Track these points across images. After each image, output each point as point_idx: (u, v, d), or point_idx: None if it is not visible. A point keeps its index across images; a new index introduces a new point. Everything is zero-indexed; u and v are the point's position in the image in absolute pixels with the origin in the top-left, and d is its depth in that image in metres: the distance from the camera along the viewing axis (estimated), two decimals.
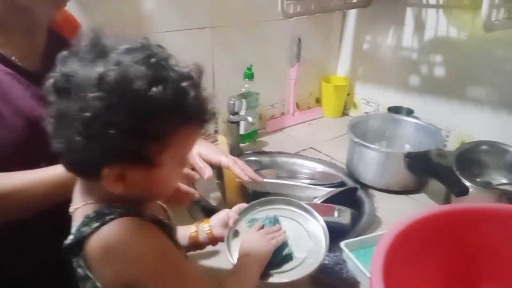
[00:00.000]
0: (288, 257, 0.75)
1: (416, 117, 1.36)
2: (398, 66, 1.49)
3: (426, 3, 1.36)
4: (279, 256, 0.74)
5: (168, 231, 0.61)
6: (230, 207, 1.07)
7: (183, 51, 1.26)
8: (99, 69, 0.50)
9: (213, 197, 1.13)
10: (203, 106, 0.55)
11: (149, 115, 0.51)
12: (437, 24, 1.34)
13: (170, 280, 0.56)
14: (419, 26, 1.39)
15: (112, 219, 0.54)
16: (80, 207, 0.58)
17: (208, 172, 0.98)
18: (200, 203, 1.08)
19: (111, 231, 0.53)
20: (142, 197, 0.59)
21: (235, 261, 0.73)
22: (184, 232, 0.78)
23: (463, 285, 0.80)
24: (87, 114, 0.49)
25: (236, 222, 0.79)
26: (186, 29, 1.25)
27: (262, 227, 0.78)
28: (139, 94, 0.50)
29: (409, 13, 1.41)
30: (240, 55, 1.40)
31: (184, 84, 0.53)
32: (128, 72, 0.50)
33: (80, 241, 0.54)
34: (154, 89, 0.50)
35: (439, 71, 1.38)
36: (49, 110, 0.53)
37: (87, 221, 0.55)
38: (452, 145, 1.35)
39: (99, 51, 0.52)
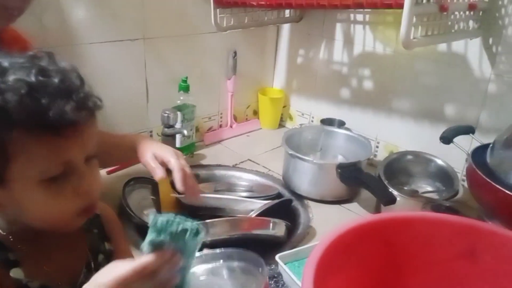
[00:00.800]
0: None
1: (347, 129, 1.41)
2: (330, 79, 1.54)
3: (354, 20, 1.42)
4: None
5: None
6: None
7: (115, 62, 1.25)
8: None
9: (146, 214, 1.10)
10: (36, 107, 0.46)
11: None
12: (364, 39, 1.40)
13: None
14: (348, 41, 1.45)
15: None
16: None
17: (159, 173, 0.95)
18: (133, 221, 1.04)
19: None
20: (20, 223, 0.51)
21: None
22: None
23: None
24: None
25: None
26: (117, 40, 1.22)
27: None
28: None
29: (339, 28, 1.46)
30: (174, 67, 1.38)
31: (9, 80, 0.46)
32: None
33: None
34: None
35: (367, 84, 1.44)
36: None
37: None
38: (381, 155, 1.42)
39: None
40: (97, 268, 0.56)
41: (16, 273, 0.50)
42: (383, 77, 1.40)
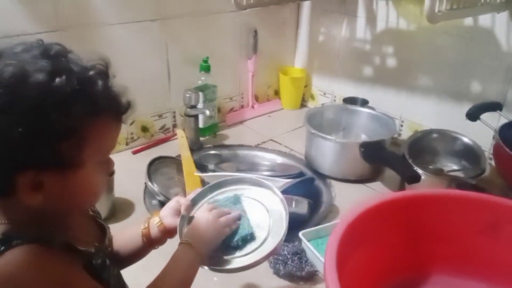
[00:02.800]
0: (250, 238, 0.70)
1: (371, 107, 1.39)
2: (352, 57, 1.52)
3: None
4: (239, 239, 0.69)
5: (86, 258, 0.55)
6: None
7: (136, 43, 1.26)
8: None
9: (173, 193, 1.12)
10: (114, 96, 0.52)
11: (53, 109, 0.46)
12: (387, 15, 1.37)
13: None
14: (371, 17, 1.42)
15: (18, 244, 0.48)
16: None
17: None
18: (158, 198, 1.06)
19: (10, 258, 0.48)
20: (66, 209, 0.54)
21: None
22: (134, 234, 0.71)
23: (414, 268, 0.83)
24: None
25: (188, 208, 0.72)
26: (137, 21, 1.22)
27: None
28: (40, 87, 0.46)
29: (361, 4, 1.43)
30: (195, 47, 1.38)
31: (90, 73, 0.50)
32: (26, 66, 0.47)
33: None
34: (57, 79, 0.47)
35: (390, 62, 1.41)
36: None
37: None
38: (406, 134, 1.40)
39: None
40: (107, 226, 0.66)
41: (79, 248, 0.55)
42: (406, 54, 1.37)
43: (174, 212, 0.72)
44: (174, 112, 1.41)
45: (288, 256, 0.88)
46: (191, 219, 0.71)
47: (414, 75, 1.36)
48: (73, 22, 1.11)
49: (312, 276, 0.86)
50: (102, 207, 0.95)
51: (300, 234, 0.91)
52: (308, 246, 0.88)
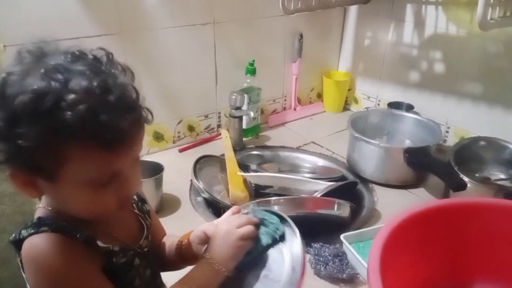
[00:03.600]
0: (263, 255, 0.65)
1: (416, 113, 1.38)
2: (398, 62, 1.51)
3: (425, 0, 1.37)
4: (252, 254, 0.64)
5: (106, 255, 0.57)
6: (233, 200, 1.10)
7: (186, 46, 1.30)
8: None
9: (216, 190, 1.16)
10: (95, 123, 0.48)
11: (21, 124, 0.48)
12: (437, 20, 1.35)
13: None
14: (419, 22, 1.40)
15: (44, 231, 0.53)
16: (37, 208, 0.58)
17: None
18: (203, 195, 1.10)
19: (34, 243, 0.53)
20: (66, 211, 0.56)
21: None
22: (174, 241, 0.72)
23: (456, 278, 0.82)
24: None
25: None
26: (188, 25, 1.27)
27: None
28: (12, 102, 0.47)
29: (409, 9, 1.42)
30: (242, 50, 1.42)
31: (71, 97, 0.47)
32: (7, 80, 0.49)
33: (17, 243, 0.55)
34: (27, 97, 0.47)
35: (439, 67, 1.39)
36: None
37: (28, 224, 0.54)
38: (451, 141, 1.37)
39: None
40: (148, 226, 0.67)
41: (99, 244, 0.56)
42: (455, 60, 1.34)
43: (200, 241, 0.68)
44: (220, 113, 1.45)
45: (329, 258, 0.89)
46: None
47: (463, 81, 1.33)
48: (129, 26, 1.16)
49: (352, 279, 0.87)
50: (151, 202, 1.00)
51: (342, 236, 0.92)
52: (349, 249, 0.89)
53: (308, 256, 0.91)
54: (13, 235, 0.56)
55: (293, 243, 0.64)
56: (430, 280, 0.80)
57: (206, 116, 1.42)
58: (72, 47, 0.53)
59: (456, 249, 0.83)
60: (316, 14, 1.51)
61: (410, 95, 1.47)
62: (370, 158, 1.20)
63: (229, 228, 0.64)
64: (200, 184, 1.11)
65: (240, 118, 1.37)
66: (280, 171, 1.25)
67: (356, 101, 1.70)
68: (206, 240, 0.67)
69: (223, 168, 1.21)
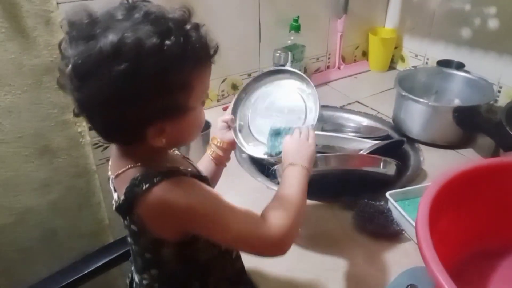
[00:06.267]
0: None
1: (466, 71, 1.32)
2: (449, 18, 1.43)
3: None
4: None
5: (205, 181, 0.64)
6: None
7: (229, 4, 1.28)
8: (111, 40, 0.51)
9: None
10: (207, 43, 0.58)
11: (171, 68, 0.54)
12: None
13: (219, 220, 0.60)
14: None
15: (160, 181, 0.57)
16: (122, 172, 0.62)
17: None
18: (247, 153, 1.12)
19: (164, 191, 0.57)
20: (177, 144, 0.65)
21: (248, 149, 0.85)
22: (206, 161, 0.84)
23: (503, 237, 0.81)
24: (118, 87, 0.52)
25: (233, 120, 0.86)
26: None
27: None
28: (157, 51, 0.52)
29: None
30: (286, 6, 1.39)
31: (187, 27, 0.56)
32: (139, 35, 0.52)
33: (132, 201, 0.58)
34: (167, 42, 0.53)
35: (492, 23, 1.32)
36: (75, 95, 0.55)
37: (136, 183, 0.58)
38: (503, 101, 1.32)
39: (97, 26, 0.53)
40: None
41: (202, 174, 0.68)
42: (509, 15, 1.26)
43: (226, 129, 0.85)
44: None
45: (375, 214, 0.89)
46: (240, 127, 0.88)
47: None
48: None
49: (397, 235, 0.88)
50: (199, 158, 1.03)
51: (387, 194, 0.92)
52: (395, 206, 0.90)
53: (351, 213, 0.93)
54: (120, 200, 0.60)
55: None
56: (476, 237, 0.80)
57: (249, 75, 1.42)
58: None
59: (504, 208, 0.82)
60: None
61: (460, 53, 1.41)
62: (418, 117, 1.17)
63: (299, 139, 0.76)
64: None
65: None
66: (323, 130, 1.24)
67: (402, 60, 1.65)
68: (228, 126, 0.85)
69: None
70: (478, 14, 1.35)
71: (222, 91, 1.38)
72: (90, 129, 1.18)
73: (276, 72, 0.91)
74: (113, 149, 0.66)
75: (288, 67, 0.89)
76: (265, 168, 1.09)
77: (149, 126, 0.57)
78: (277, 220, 0.62)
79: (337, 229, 0.91)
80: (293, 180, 0.70)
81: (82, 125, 1.19)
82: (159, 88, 0.54)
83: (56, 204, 1.27)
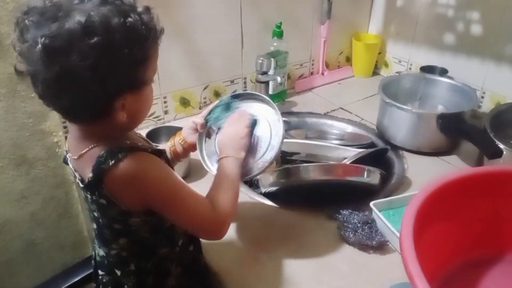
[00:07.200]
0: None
1: (450, 77, 1.32)
2: (432, 23, 1.43)
3: None
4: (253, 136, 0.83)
5: (165, 157, 0.70)
6: None
7: (212, 10, 1.27)
8: (78, 19, 0.55)
9: None
10: (157, 25, 0.63)
11: (134, 43, 0.59)
12: None
13: (177, 197, 0.67)
14: None
15: (124, 156, 0.62)
16: (85, 152, 0.65)
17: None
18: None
19: (129, 165, 0.62)
20: (134, 121, 0.68)
21: (210, 166, 0.85)
22: (166, 150, 0.86)
23: (490, 246, 0.80)
24: (91, 60, 0.55)
25: (203, 126, 0.86)
26: None
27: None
28: (122, 27, 0.57)
29: None
30: (269, 12, 1.37)
31: (139, 9, 0.61)
32: (104, 13, 0.56)
33: (100, 177, 0.62)
34: (129, 19, 0.58)
35: (476, 29, 1.32)
36: (43, 75, 0.57)
37: (102, 160, 0.62)
38: (486, 107, 1.32)
39: (61, 9, 0.56)
40: None
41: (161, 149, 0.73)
42: (493, 20, 1.27)
43: (193, 130, 0.87)
44: (245, 78, 1.42)
45: (358, 225, 0.88)
46: (208, 134, 0.87)
47: (501, 43, 1.26)
48: None
49: (382, 246, 0.86)
50: (179, 167, 1.01)
51: (371, 204, 0.91)
52: (379, 216, 0.88)
53: (336, 223, 0.91)
54: (87, 178, 0.64)
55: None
56: (462, 248, 0.79)
57: (232, 81, 1.40)
58: None
59: (490, 217, 0.81)
60: None
61: (444, 59, 1.41)
62: (402, 124, 1.16)
63: (235, 126, 0.81)
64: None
65: (267, 83, 1.34)
66: (307, 138, 1.23)
67: (386, 65, 1.64)
68: (196, 129, 0.86)
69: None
70: (461, 20, 1.35)
71: (204, 98, 1.36)
72: (66, 138, 1.16)
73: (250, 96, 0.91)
74: (72, 131, 0.69)
75: (260, 94, 0.91)
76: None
77: (116, 100, 0.61)
78: (223, 206, 0.70)
79: (321, 240, 0.89)
80: (231, 170, 0.76)
81: (59, 134, 1.16)
82: (127, 61, 0.59)
83: (35, 215, 1.24)
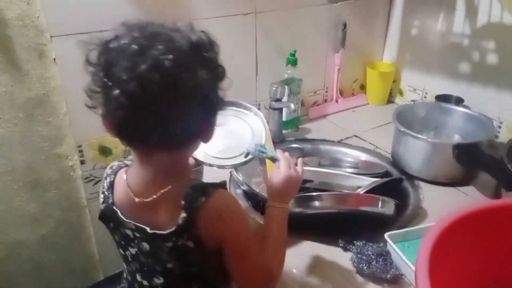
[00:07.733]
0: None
1: (466, 106, 1.31)
2: (448, 52, 1.43)
3: None
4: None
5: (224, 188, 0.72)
6: None
7: (227, 37, 1.28)
8: (193, 38, 0.64)
9: (255, 182, 1.14)
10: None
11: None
12: (490, 9, 1.27)
13: (248, 236, 0.68)
14: (471, 10, 1.32)
15: (212, 192, 0.63)
16: (162, 193, 0.64)
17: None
18: (242, 188, 1.09)
19: (220, 200, 0.64)
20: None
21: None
22: None
23: (509, 281, 0.77)
24: (203, 88, 0.62)
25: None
26: (230, 15, 1.25)
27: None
28: (216, 59, 0.68)
29: None
30: (283, 40, 1.39)
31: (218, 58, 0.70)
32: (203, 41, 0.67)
33: (194, 215, 0.62)
34: (220, 70, 0.70)
35: (492, 58, 1.31)
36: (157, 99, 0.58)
37: (191, 198, 0.62)
38: (503, 137, 1.30)
39: (159, 37, 0.61)
40: None
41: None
42: (508, 49, 1.26)
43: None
44: (259, 105, 1.43)
45: (373, 257, 0.86)
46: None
47: None
48: (171, 16, 1.15)
49: (397, 280, 0.84)
50: None
51: (386, 235, 0.89)
52: (394, 249, 0.86)
53: (350, 254, 0.89)
54: (180, 219, 0.62)
55: None
56: (481, 285, 0.76)
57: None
58: None
59: (509, 251, 0.78)
60: (360, 2, 1.46)
61: (459, 88, 1.40)
62: (417, 153, 1.15)
63: (296, 173, 0.79)
64: (240, 176, 1.10)
65: (280, 110, 1.34)
66: (320, 165, 1.22)
67: (401, 93, 1.64)
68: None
69: (262, 161, 1.18)
70: (477, 49, 1.34)
71: None
72: (81, 162, 1.17)
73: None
74: (136, 175, 0.67)
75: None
76: (260, 204, 1.05)
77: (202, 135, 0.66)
78: (276, 259, 0.70)
79: (334, 271, 0.87)
80: (285, 226, 0.75)
81: (74, 158, 1.17)
82: (219, 106, 0.67)
83: (47, 238, 1.24)
